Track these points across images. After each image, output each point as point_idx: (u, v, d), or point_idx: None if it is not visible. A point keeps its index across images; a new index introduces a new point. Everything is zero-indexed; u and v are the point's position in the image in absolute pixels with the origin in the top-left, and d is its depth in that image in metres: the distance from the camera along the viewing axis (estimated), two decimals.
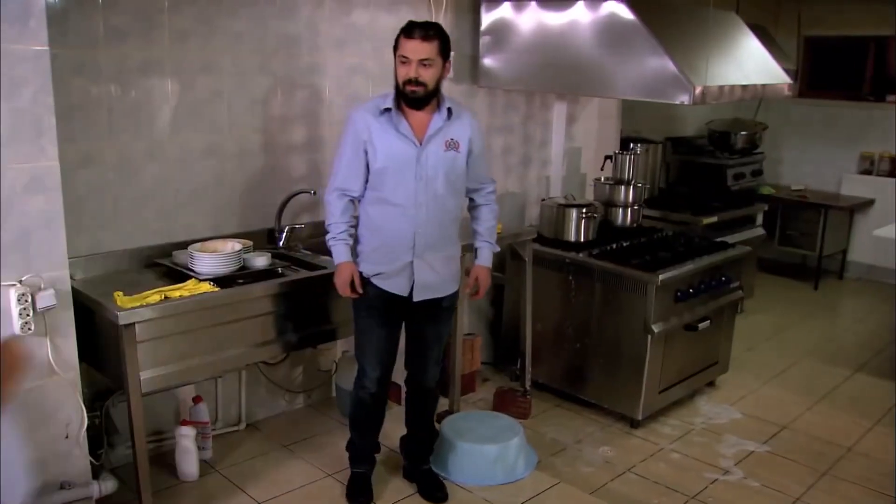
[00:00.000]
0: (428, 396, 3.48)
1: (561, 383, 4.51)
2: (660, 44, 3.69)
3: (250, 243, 3.44)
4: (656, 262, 4.14)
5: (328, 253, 3.16)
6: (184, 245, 3.30)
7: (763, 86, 4.34)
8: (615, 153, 4.91)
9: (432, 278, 3.17)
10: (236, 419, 3.93)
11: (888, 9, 7.00)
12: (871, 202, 7.29)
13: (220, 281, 3.10)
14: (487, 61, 4.36)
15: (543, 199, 4.64)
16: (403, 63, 2.96)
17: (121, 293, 2.83)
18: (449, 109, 3.08)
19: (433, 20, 4.10)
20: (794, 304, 6.69)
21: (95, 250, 3.22)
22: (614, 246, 4.45)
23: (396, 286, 3.14)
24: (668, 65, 3.64)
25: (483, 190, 3.35)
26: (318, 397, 4.26)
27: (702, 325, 4.33)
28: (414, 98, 2.98)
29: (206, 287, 3.01)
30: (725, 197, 6.26)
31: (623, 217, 4.77)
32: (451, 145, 3.10)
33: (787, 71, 4.76)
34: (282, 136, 3.75)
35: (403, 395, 3.61)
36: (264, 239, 3.73)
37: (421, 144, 3.04)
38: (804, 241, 7.17)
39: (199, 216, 3.53)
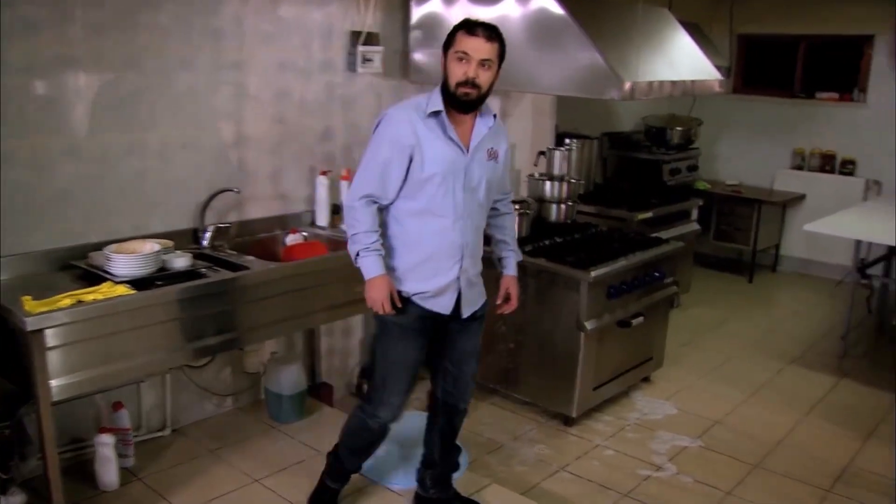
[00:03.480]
0: (461, 419, 3.23)
1: (496, 382, 4.48)
2: (589, 39, 3.66)
3: (171, 244, 3.34)
4: (589, 258, 4.12)
5: (260, 253, 3.02)
6: (102, 246, 3.17)
7: (693, 82, 4.34)
8: (548, 149, 4.89)
9: (473, 292, 2.99)
10: (161, 424, 3.81)
11: (818, 8, 7.14)
12: (802, 197, 7.41)
13: (138, 283, 2.99)
14: (418, 56, 4.30)
15: None
16: (461, 60, 2.69)
17: (29, 298, 2.71)
18: (494, 116, 2.90)
19: (362, 14, 4.07)
20: (729, 298, 6.77)
21: (6, 252, 3.08)
22: (547, 243, 4.42)
23: (440, 305, 2.90)
24: (598, 60, 3.62)
25: (506, 199, 3.17)
26: (246, 400, 4.16)
27: (635, 321, 4.33)
28: (466, 101, 2.73)
29: (122, 290, 2.90)
30: (661, 192, 6.30)
31: (557, 213, 4.75)
32: (492, 154, 2.90)
33: (720, 68, 4.79)
34: (206, 134, 3.64)
35: (428, 415, 3.28)
36: (189, 239, 3.63)
37: (468, 152, 2.82)
38: (739, 236, 7.26)
39: (119, 216, 3.41)
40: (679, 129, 6.94)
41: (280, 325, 3.50)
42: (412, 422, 3.71)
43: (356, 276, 2.82)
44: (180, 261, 3.23)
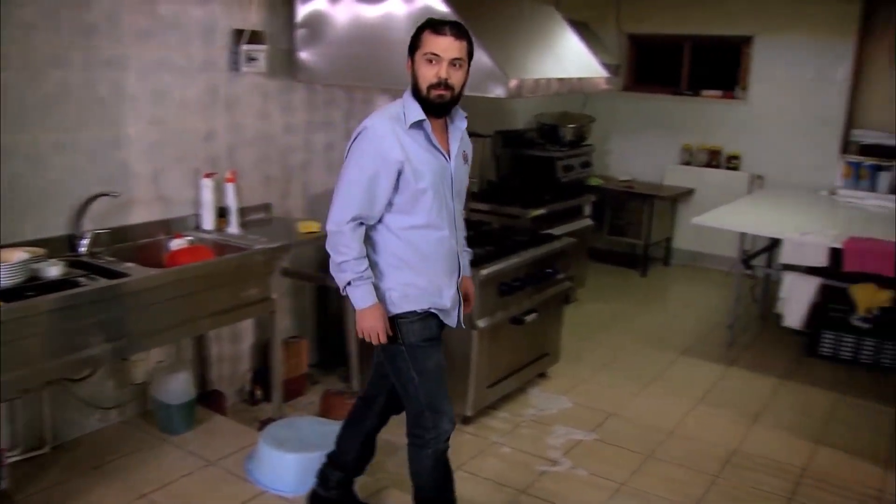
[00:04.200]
0: None
1: None
2: (474, 37, 3.65)
3: (42, 251, 3.18)
4: (480, 256, 4.12)
5: (143, 259, 2.84)
6: None
7: (581, 79, 4.39)
8: None
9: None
10: (39, 442, 3.63)
11: (701, 10, 7.38)
12: (691, 191, 7.61)
13: (6, 294, 2.84)
14: (304, 55, 4.22)
15: None
16: (431, 62, 2.59)
17: None
18: (465, 116, 2.82)
19: (245, 11, 3.97)
20: (624, 292, 6.90)
21: None
22: None
23: (452, 317, 2.88)
24: (483, 58, 3.61)
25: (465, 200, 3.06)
26: (132, 412, 4.00)
27: (528, 318, 4.35)
28: (440, 104, 2.63)
29: None
30: (555, 189, 6.36)
31: None
32: (466, 157, 2.84)
33: (608, 66, 4.86)
34: (81, 134, 3.48)
35: (354, 419, 3.21)
36: (65, 246, 3.46)
37: (450, 158, 2.74)
38: (632, 231, 7.42)
39: None
40: (572, 126, 7.03)
41: (165, 333, 3.38)
42: (303, 427, 3.64)
43: (244, 279, 2.74)
44: (53, 269, 3.09)
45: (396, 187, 2.64)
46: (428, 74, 2.60)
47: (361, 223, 2.66)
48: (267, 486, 3.41)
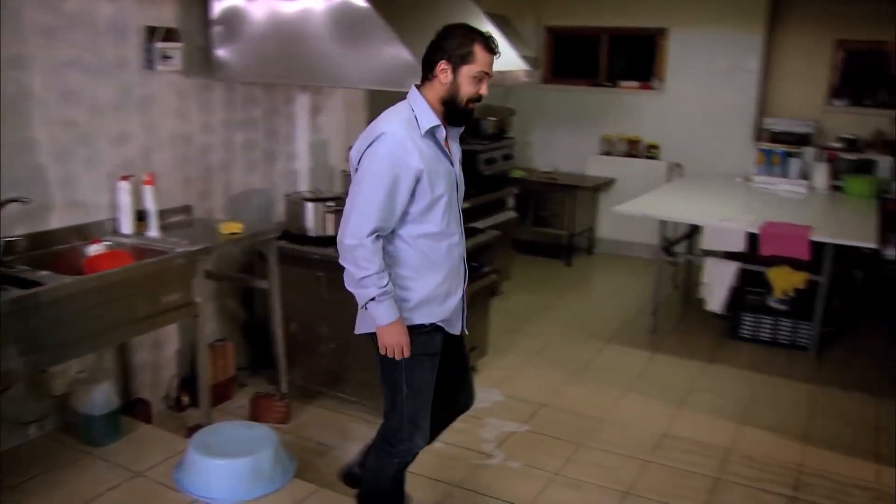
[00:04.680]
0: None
1: (320, 384, 4.39)
2: (394, 32, 3.63)
3: None
4: None
5: (60, 266, 2.72)
6: None
7: (502, 72, 4.40)
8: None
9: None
10: None
11: (618, 3, 7.49)
12: (612, 181, 7.73)
13: None
14: (221, 53, 4.13)
15: (288, 195, 4.48)
16: (479, 80, 2.56)
17: None
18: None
19: (158, 8, 3.86)
20: (549, 283, 6.97)
21: None
22: None
23: (456, 326, 2.82)
24: (403, 53, 3.59)
25: None
26: (53, 425, 3.86)
27: None
28: (468, 114, 2.61)
29: None
30: (478, 182, 6.38)
31: None
32: (460, 161, 2.79)
33: (528, 59, 4.88)
34: None
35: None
36: None
37: (454, 164, 2.70)
38: (555, 221, 7.50)
39: None
40: (493, 119, 7.06)
41: (85, 343, 3.25)
42: (233, 432, 3.57)
43: (166, 284, 2.66)
44: None
45: (413, 196, 2.55)
46: (472, 90, 2.56)
47: (379, 236, 2.56)
48: (198, 495, 3.33)
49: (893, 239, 6.45)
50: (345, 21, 3.74)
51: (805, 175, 6.75)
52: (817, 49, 7.28)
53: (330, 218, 4.28)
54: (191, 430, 3.71)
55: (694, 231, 6.30)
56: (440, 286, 2.69)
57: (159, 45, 3.89)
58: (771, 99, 7.50)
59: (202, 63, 4.16)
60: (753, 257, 5.31)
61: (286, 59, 3.97)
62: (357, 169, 2.59)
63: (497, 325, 5.15)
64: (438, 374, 2.82)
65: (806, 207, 5.96)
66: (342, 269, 4.06)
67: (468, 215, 5.54)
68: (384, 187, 2.49)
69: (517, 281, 6.67)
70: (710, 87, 7.41)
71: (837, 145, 7.06)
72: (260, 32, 3.99)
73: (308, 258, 4.19)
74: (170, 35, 3.93)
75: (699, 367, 5.21)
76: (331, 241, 4.18)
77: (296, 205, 4.32)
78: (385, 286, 2.54)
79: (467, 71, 2.53)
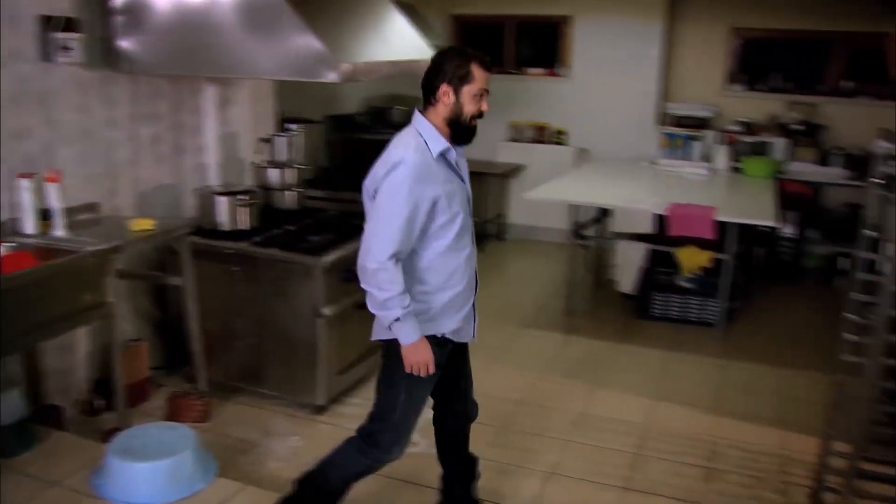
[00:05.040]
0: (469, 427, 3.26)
1: (239, 380, 4.32)
2: (304, 22, 3.59)
3: None
4: (321, 244, 4.08)
5: None
6: None
7: (412, 61, 4.40)
8: (271, 135, 4.77)
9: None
10: None
11: None
12: (521, 167, 7.83)
13: None
14: (125, 44, 3.99)
15: (198, 189, 4.39)
16: (479, 97, 2.66)
17: None
18: None
19: None
20: None
21: None
22: (278, 231, 4.31)
23: (467, 334, 2.94)
24: (314, 43, 3.55)
25: None
26: None
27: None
28: (472, 131, 2.71)
29: None
30: None
31: (285, 201, 4.64)
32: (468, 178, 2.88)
33: (436, 47, 4.89)
34: None
35: (441, 436, 3.28)
36: None
37: (463, 180, 2.80)
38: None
39: None
40: (401, 108, 7.06)
41: None
42: (152, 433, 3.49)
43: (76, 284, 2.57)
44: None
45: (432, 215, 2.64)
46: (473, 108, 2.66)
47: (399, 259, 2.63)
48: (120, 501, 3.24)
49: (790, 217, 6.74)
50: (253, 10, 3.67)
51: (707, 157, 6.98)
52: (714, 37, 7.53)
53: (242, 211, 4.22)
54: (107, 435, 3.60)
55: (603, 214, 6.43)
56: (457, 297, 2.80)
57: (57, 35, 3.74)
58: (673, 84, 7.71)
59: (104, 55, 4.02)
60: (661, 238, 5.47)
61: (192, 51, 3.87)
62: (374, 196, 2.68)
63: None
64: (443, 383, 2.97)
65: (709, 188, 6.16)
66: (256, 262, 4.05)
67: None
68: (404, 214, 2.57)
69: None
70: (614, 73, 7.57)
71: (736, 128, 7.31)
72: (164, 22, 3.88)
73: (222, 253, 4.11)
74: (70, 25, 3.79)
75: (613, 347, 5.34)
76: (248, 235, 4.16)
77: (207, 199, 4.23)
78: (407, 306, 2.63)
79: (468, 90, 2.64)
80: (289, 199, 4.65)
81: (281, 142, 4.73)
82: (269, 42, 3.67)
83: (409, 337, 2.66)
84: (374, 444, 2.87)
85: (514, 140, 7.97)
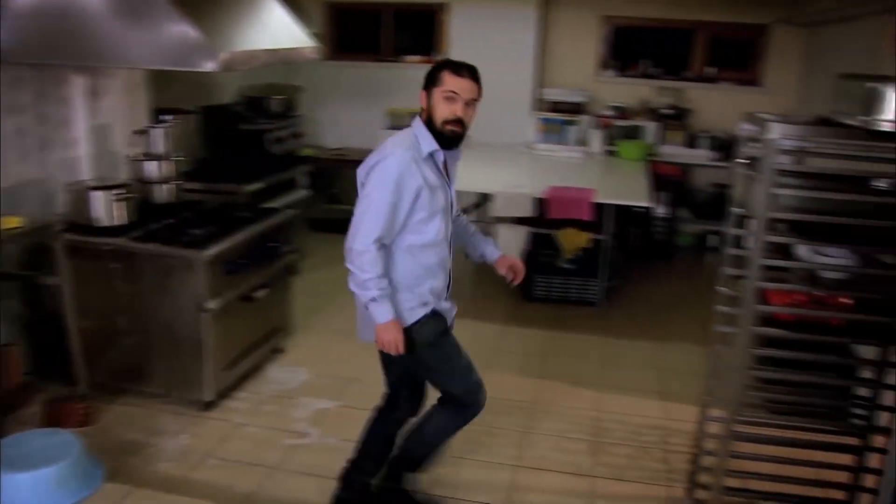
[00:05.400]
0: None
1: (123, 380, 4.18)
2: (178, 9, 3.49)
3: None
4: (203, 237, 3.99)
5: None
6: None
7: (290, 49, 4.35)
8: (146, 127, 4.62)
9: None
10: None
11: None
12: None
13: None
14: None
15: (70, 184, 4.21)
16: (449, 100, 2.80)
17: None
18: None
19: None
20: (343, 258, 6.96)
21: None
22: (157, 226, 4.18)
23: (449, 319, 3.13)
24: (189, 31, 3.46)
25: (459, 212, 3.28)
26: None
27: (258, 294, 4.30)
28: (453, 138, 2.86)
29: None
30: (268, 162, 6.27)
31: (163, 194, 4.50)
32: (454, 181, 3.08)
33: (314, 35, 4.84)
34: None
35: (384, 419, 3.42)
36: None
37: (450, 185, 3.00)
38: (349, 197, 7.38)
39: None
40: (278, 97, 6.95)
41: None
42: (32, 441, 3.34)
43: None
44: None
45: (413, 208, 2.82)
46: (445, 111, 2.82)
47: (382, 245, 2.83)
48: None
49: (662, 197, 7.00)
50: None
51: (582, 141, 7.17)
52: (587, 24, 7.73)
53: (119, 206, 4.07)
54: None
55: (484, 199, 6.52)
56: (434, 288, 2.99)
57: None
58: (548, 71, 7.87)
59: None
60: (542, 221, 5.59)
61: (58, 38, 3.69)
62: (364, 185, 2.88)
63: (299, 304, 5.10)
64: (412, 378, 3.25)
65: (585, 172, 6.33)
66: (135, 258, 3.93)
67: (262, 196, 5.51)
68: (388, 202, 2.78)
69: (315, 259, 6.62)
70: (491, 60, 7.56)
71: (609, 113, 7.54)
72: (27, 6, 3.70)
73: (99, 249, 3.96)
74: None
75: (499, 330, 5.44)
76: (125, 230, 4.03)
77: (81, 194, 4.06)
78: (384, 288, 2.84)
79: (438, 92, 2.82)
80: (167, 192, 4.51)
81: (157, 133, 4.58)
82: (141, 30, 3.55)
83: (384, 317, 2.86)
84: (468, 398, 3.13)
85: (394, 127, 7.95)
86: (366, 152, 7.62)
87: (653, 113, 7.52)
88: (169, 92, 5.53)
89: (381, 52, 8.07)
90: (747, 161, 2.89)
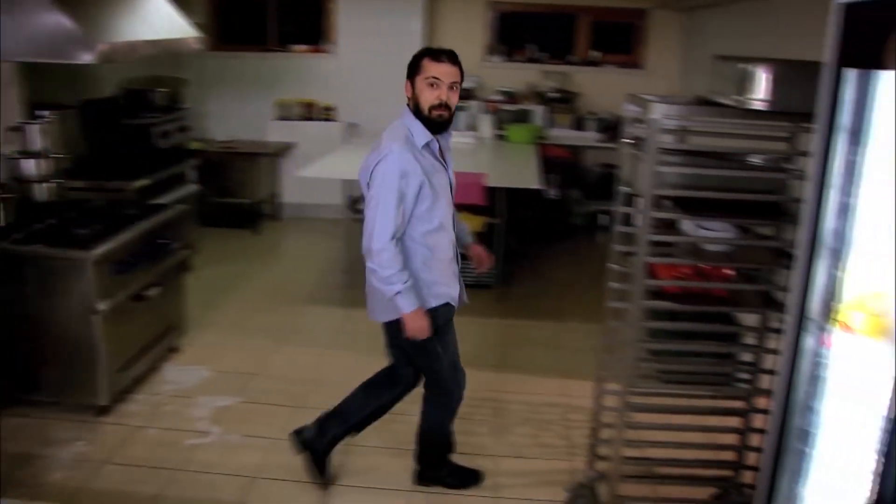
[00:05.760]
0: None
1: (12, 389, 4.00)
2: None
3: None
4: (90, 236, 3.86)
5: None
6: None
7: (173, 40, 4.25)
8: (20, 123, 4.42)
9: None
10: None
11: None
12: (292, 146, 7.75)
13: None
14: None
15: None
16: (432, 86, 2.93)
17: None
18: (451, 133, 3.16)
19: None
20: (240, 253, 6.87)
21: None
22: (40, 226, 4.01)
23: (461, 300, 3.29)
24: (64, 21, 3.34)
25: None
26: None
27: (150, 293, 4.20)
28: (441, 122, 2.98)
29: None
30: (155, 157, 6.11)
31: (43, 193, 4.32)
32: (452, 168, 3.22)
33: (197, 25, 4.73)
34: None
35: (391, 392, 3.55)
36: None
37: (447, 168, 3.12)
38: (240, 191, 7.40)
39: None
40: (163, 90, 6.77)
41: None
42: None
43: None
44: None
45: (417, 198, 2.96)
46: (430, 97, 2.94)
47: (397, 239, 2.96)
48: None
49: (553, 179, 7.14)
50: None
51: (472, 126, 7.24)
52: (473, 11, 7.83)
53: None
54: None
55: None
56: (446, 269, 3.16)
57: None
58: None
59: None
60: None
61: None
62: (369, 184, 2.99)
63: (193, 301, 5.00)
64: None
65: (477, 156, 6.41)
66: (18, 260, 3.78)
67: (150, 192, 5.37)
68: (395, 198, 2.91)
69: (207, 255, 6.48)
70: (379, 47, 7.64)
71: (498, 98, 7.64)
72: None
73: None
74: None
75: None
76: (5, 232, 3.85)
77: None
78: (406, 281, 2.97)
79: (420, 80, 2.96)
80: (48, 190, 4.34)
81: (33, 130, 4.39)
82: (12, 20, 3.40)
83: (410, 306, 2.99)
84: (448, 388, 3.35)
85: (283, 118, 7.86)
86: (256, 144, 7.59)
87: (540, 97, 7.66)
88: (45, 86, 5.31)
89: (267, 42, 7.94)
90: (633, 141, 2.99)
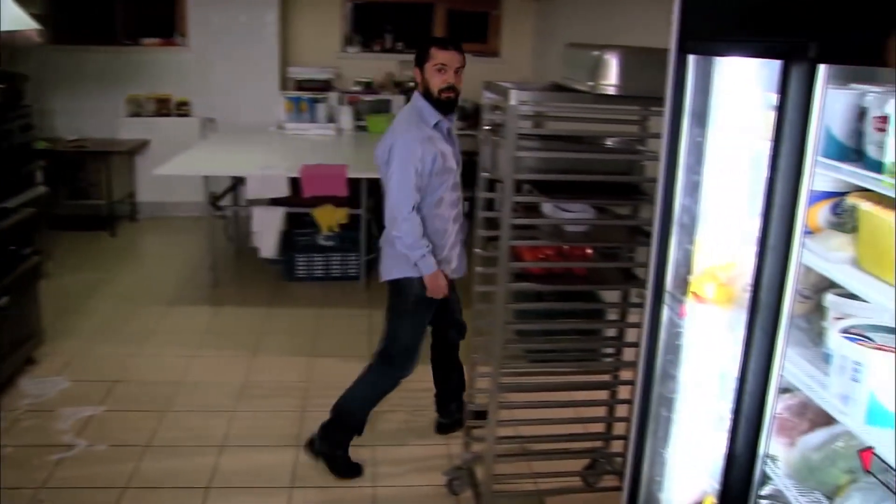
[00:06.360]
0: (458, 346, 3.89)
1: None
2: None
3: None
4: None
5: None
6: None
7: (6, 32, 4.03)
8: None
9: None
10: None
11: None
12: (146, 143, 7.49)
13: None
14: None
15: None
16: (440, 71, 3.23)
17: None
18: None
19: None
20: (97, 257, 6.60)
21: None
22: None
23: (461, 269, 3.55)
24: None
25: None
26: None
27: (0, 302, 3.99)
28: (449, 103, 3.28)
29: None
30: None
31: None
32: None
33: (32, 16, 4.50)
34: None
35: (435, 360, 3.89)
36: None
37: (455, 147, 3.42)
38: (93, 191, 7.10)
39: None
40: (1, 87, 6.39)
41: None
42: None
43: None
44: None
45: (431, 174, 3.26)
46: (439, 81, 3.25)
47: (416, 209, 3.26)
48: None
49: None
50: None
51: (331, 118, 7.20)
52: (328, 1, 7.75)
53: None
54: None
55: (238, 182, 6.40)
56: (451, 239, 3.43)
57: None
58: (293, 49, 7.82)
59: None
60: (298, 200, 5.58)
61: None
62: (388, 162, 3.28)
63: (51, 309, 4.78)
64: (439, 313, 3.58)
65: (337, 148, 6.40)
66: None
67: None
68: (412, 172, 3.22)
69: (62, 259, 6.20)
70: (234, 40, 7.49)
71: (356, 89, 7.63)
72: None
73: None
74: None
75: (264, 313, 5.39)
76: None
77: None
78: (428, 245, 3.30)
79: (429, 66, 3.26)
80: None
81: None
82: None
83: (431, 268, 3.32)
84: (391, 363, 3.53)
85: (136, 115, 7.58)
86: (108, 142, 7.32)
87: (398, 86, 7.69)
88: None
89: (116, 36, 7.63)
90: (491, 128, 3.06)
